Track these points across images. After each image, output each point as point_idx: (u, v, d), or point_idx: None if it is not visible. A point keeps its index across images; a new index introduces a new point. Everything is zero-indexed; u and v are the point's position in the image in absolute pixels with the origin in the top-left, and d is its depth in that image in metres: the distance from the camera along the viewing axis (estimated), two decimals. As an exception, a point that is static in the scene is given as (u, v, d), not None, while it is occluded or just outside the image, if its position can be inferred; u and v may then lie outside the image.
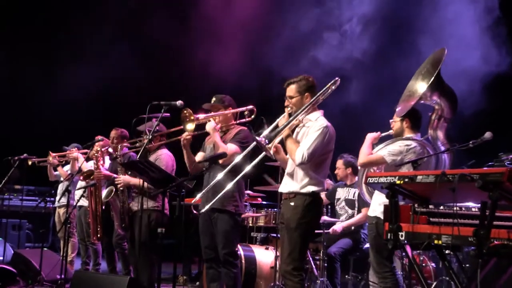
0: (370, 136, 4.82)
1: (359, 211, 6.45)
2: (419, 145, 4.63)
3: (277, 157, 4.58)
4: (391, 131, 4.86)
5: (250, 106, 5.25)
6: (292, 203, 4.30)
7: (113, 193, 5.89)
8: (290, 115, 4.38)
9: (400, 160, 4.55)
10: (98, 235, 6.34)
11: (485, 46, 7.54)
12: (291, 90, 4.43)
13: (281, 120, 4.35)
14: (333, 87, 4.37)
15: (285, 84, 4.48)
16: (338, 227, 6.34)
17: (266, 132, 4.23)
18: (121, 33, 10.49)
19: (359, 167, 5.13)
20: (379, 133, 4.86)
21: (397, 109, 4.83)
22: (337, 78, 4.36)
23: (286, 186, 4.42)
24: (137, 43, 10.58)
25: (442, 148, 4.61)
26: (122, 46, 10.35)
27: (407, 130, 4.76)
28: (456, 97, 4.65)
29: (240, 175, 4.84)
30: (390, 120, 4.89)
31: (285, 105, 4.45)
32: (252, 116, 5.19)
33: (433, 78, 4.43)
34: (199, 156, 5.41)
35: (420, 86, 4.65)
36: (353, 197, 6.56)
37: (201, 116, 5.13)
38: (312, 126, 4.30)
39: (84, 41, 10.72)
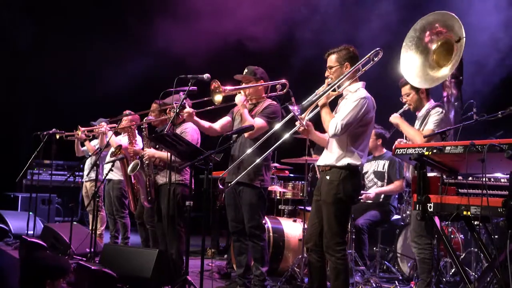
0: (398, 118, 4.85)
1: (389, 182, 6.46)
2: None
3: (311, 138, 4.45)
4: (405, 107, 4.93)
5: (283, 80, 5.16)
6: (328, 177, 4.18)
7: (138, 167, 5.85)
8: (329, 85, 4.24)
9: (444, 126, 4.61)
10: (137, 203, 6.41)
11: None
12: (331, 60, 4.31)
13: (319, 90, 4.20)
14: (375, 59, 4.20)
15: (326, 55, 4.36)
16: (371, 193, 6.39)
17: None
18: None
19: None
20: (397, 114, 4.90)
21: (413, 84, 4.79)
22: (378, 49, 4.19)
23: (323, 159, 4.31)
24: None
25: (456, 104, 4.80)
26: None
27: (424, 99, 4.92)
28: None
29: (269, 151, 4.73)
30: (403, 94, 4.94)
31: (325, 75, 4.33)
32: (284, 90, 5.11)
33: (458, 60, 4.33)
34: (223, 121, 5.39)
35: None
36: (383, 169, 6.56)
37: (228, 88, 5.06)
38: (350, 97, 4.19)
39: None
